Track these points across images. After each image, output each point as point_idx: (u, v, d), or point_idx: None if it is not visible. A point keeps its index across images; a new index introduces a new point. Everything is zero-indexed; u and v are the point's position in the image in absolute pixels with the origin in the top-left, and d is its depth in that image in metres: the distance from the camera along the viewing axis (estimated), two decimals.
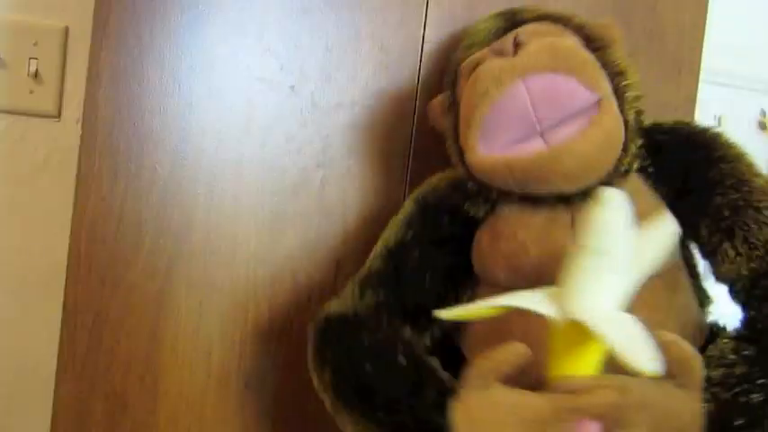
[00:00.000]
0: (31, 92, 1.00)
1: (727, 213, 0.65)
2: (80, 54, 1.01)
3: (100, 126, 0.76)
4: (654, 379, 0.52)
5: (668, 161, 0.69)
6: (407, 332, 0.68)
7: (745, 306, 0.65)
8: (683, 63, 0.92)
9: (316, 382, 0.67)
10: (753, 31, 1.38)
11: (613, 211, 0.55)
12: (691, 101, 0.92)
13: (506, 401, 0.55)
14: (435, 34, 0.84)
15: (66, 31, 1.01)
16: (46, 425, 0.78)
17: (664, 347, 0.53)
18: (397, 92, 0.84)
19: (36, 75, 0.99)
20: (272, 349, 0.82)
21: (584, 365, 0.55)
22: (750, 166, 0.68)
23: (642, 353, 0.50)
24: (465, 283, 0.71)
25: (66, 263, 0.77)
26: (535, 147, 0.62)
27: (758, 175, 0.67)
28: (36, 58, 0.99)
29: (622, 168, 0.65)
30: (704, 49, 0.93)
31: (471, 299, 0.69)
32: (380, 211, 0.84)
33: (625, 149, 0.64)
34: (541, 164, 0.62)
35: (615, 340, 0.50)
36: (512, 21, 0.71)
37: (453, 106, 0.71)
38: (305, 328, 0.82)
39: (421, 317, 0.69)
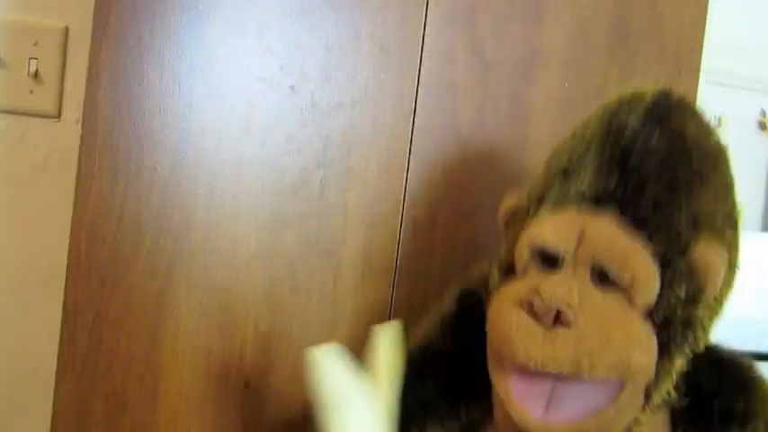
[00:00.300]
0: (31, 92, 1.00)
1: None
2: (80, 54, 1.01)
3: (100, 126, 0.76)
4: None
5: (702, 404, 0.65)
6: None
7: None
8: (683, 63, 0.92)
9: None
10: (753, 31, 1.39)
11: (328, 365, 0.58)
12: (691, 101, 0.92)
13: None
14: (435, 34, 0.84)
15: (66, 31, 1.01)
16: (46, 425, 0.78)
17: None
18: (397, 92, 0.84)
19: (36, 75, 0.99)
20: (272, 349, 0.82)
21: None
22: None
23: None
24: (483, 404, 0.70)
25: (66, 263, 0.77)
26: (534, 411, 0.60)
27: None
28: (36, 58, 0.99)
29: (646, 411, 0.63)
30: (704, 49, 0.93)
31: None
32: (380, 210, 0.84)
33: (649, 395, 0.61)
34: (528, 428, 0.61)
35: None
36: (623, 162, 0.60)
37: (509, 244, 0.66)
38: (305, 327, 0.82)
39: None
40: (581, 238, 0.60)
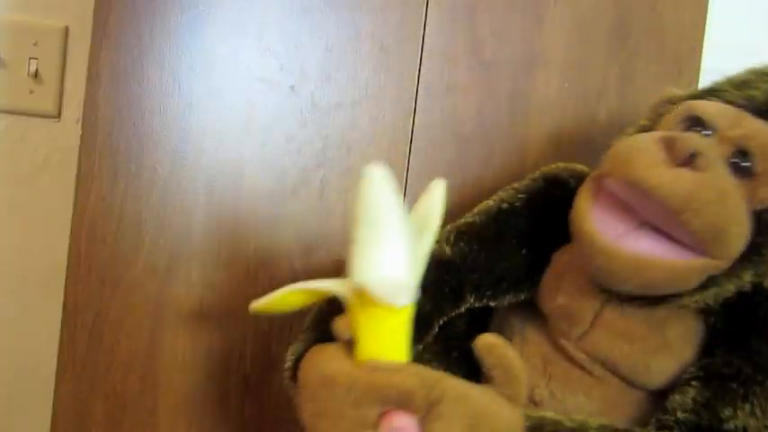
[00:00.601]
0: (31, 92, 1.00)
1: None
2: (80, 54, 1.01)
3: (100, 126, 0.76)
4: (476, 384, 0.51)
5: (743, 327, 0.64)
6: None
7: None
8: (683, 63, 0.92)
9: None
10: (753, 31, 1.38)
11: (376, 183, 0.55)
12: None
13: (329, 362, 0.52)
14: (435, 34, 0.84)
15: (66, 31, 1.01)
16: (46, 425, 0.78)
17: (486, 350, 0.52)
18: (397, 92, 0.84)
19: (36, 75, 0.99)
20: (272, 349, 0.82)
21: (387, 346, 0.52)
22: None
23: (392, 294, 0.49)
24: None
25: (66, 263, 0.77)
26: (614, 235, 0.60)
27: None
28: (36, 58, 0.99)
29: (681, 302, 0.62)
30: (704, 49, 0.93)
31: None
32: None
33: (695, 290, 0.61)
34: (600, 247, 0.59)
35: (374, 288, 0.49)
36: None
37: (656, 115, 0.67)
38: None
39: (500, 286, 0.69)
40: (735, 124, 0.60)
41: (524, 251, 0.70)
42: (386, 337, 0.52)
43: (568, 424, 0.57)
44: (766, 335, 0.63)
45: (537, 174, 0.74)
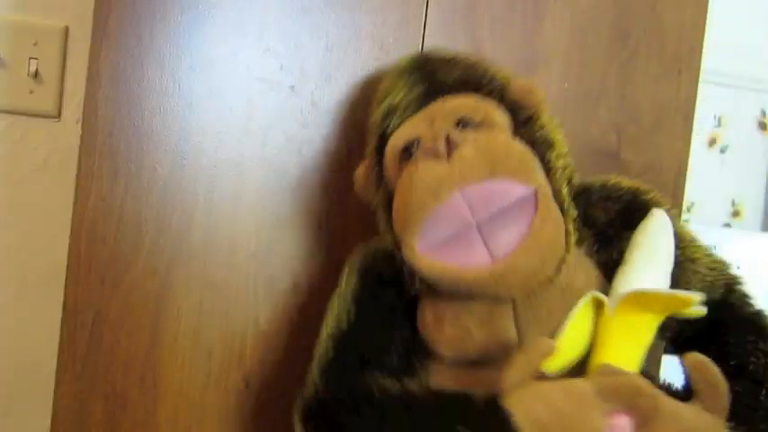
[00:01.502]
0: (31, 92, 1.00)
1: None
2: (80, 54, 1.01)
3: (100, 126, 0.76)
4: (685, 402, 0.54)
5: (602, 228, 0.69)
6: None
7: None
8: (683, 63, 0.92)
9: None
10: (753, 31, 1.39)
11: (659, 221, 0.65)
12: (690, 101, 0.92)
13: (558, 391, 0.56)
14: (435, 34, 0.84)
15: (66, 31, 1.01)
16: (46, 425, 0.78)
17: (693, 368, 0.56)
18: None
19: (36, 75, 0.99)
20: (272, 349, 0.82)
21: (626, 359, 0.58)
22: (684, 225, 0.72)
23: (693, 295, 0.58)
24: (421, 353, 0.69)
25: (66, 263, 0.77)
26: (479, 259, 0.61)
27: (687, 231, 0.71)
28: (36, 58, 0.99)
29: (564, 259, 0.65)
30: (704, 49, 0.93)
31: (428, 368, 0.69)
32: None
33: (566, 241, 0.64)
34: (486, 283, 0.61)
35: (669, 291, 0.60)
36: (431, 84, 0.69)
37: (382, 183, 0.70)
38: (305, 328, 0.82)
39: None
40: (430, 120, 0.66)
41: (394, 356, 0.69)
42: (630, 352, 0.59)
43: None
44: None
45: (347, 270, 0.73)
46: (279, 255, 0.81)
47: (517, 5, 0.86)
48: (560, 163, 0.66)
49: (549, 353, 0.57)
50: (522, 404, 0.56)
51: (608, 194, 0.71)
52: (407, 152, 0.67)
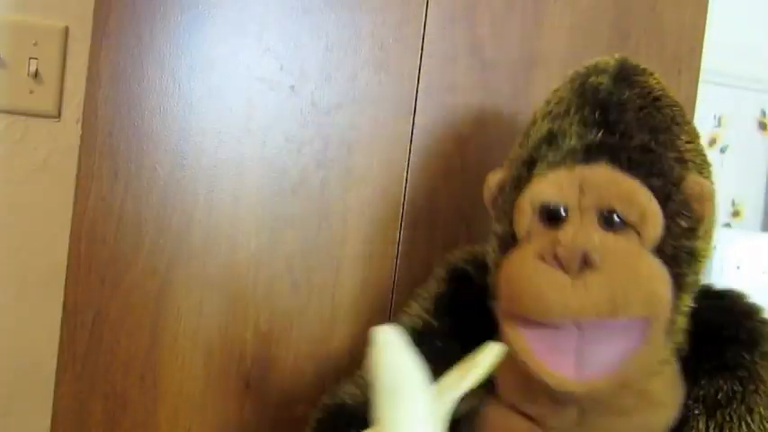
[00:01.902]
0: (31, 92, 1.00)
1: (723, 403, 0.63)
2: (80, 54, 1.01)
3: (100, 126, 0.76)
4: None
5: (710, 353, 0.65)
6: None
7: None
8: (683, 63, 0.92)
9: None
10: (753, 31, 1.38)
11: (390, 347, 0.55)
12: (691, 101, 0.92)
13: None
14: (435, 34, 0.84)
15: (66, 31, 1.01)
16: (46, 425, 0.78)
17: None
18: (397, 92, 0.84)
19: (36, 75, 0.99)
20: (272, 349, 0.82)
21: None
22: None
23: None
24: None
25: (66, 263, 0.77)
26: (564, 368, 0.59)
27: None
28: (36, 58, 0.99)
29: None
30: (704, 49, 0.93)
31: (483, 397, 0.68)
32: (380, 211, 0.84)
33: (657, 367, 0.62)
34: (562, 392, 0.60)
35: None
36: (605, 138, 0.62)
37: (507, 215, 0.65)
38: (305, 328, 0.82)
39: None
40: (582, 188, 0.61)
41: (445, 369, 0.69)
42: None
43: None
44: (734, 343, 0.64)
45: (440, 272, 0.74)
46: (279, 255, 0.81)
47: (517, 5, 0.86)
48: (691, 279, 0.62)
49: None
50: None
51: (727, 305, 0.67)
52: (541, 216, 0.62)
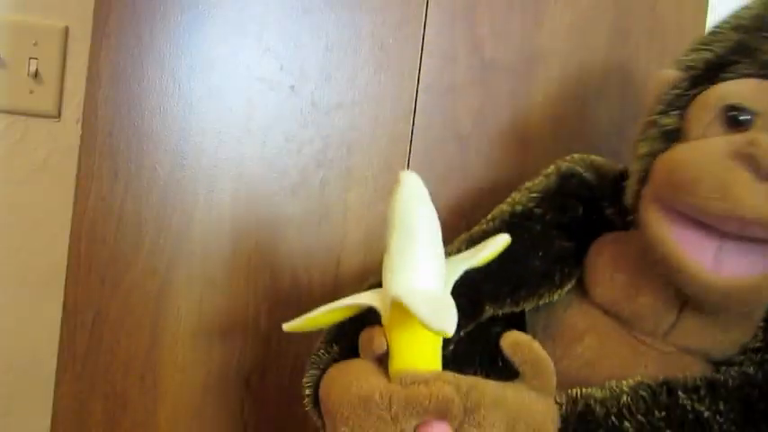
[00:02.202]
0: (31, 92, 1.00)
1: None
2: (80, 54, 1.01)
3: (100, 126, 0.76)
4: (508, 382, 0.52)
5: None
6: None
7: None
8: None
9: None
10: None
11: (411, 192, 0.54)
12: None
13: (355, 375, 0.53)
14: (435, 34, 0.84)
15: (66, 31, 1.01)
16: (46, 425, 0.78)
17: (513, 349, 0.54)
18: (397, 92, 0.84)
19: (36, 75, 0.99)
20: (273, 349, 0.82)
21: (422, 356, 0.53)
22: None
23: (442, 317, 0.49)
24: (573, 269, 0.68)
25: (66, 263, 0.77)
26: (706, 262, 0.57)
27: None
28: (36, 58, 0.99)
29: None
30: None
31: (571, 288, 0.68)
32: (380, 210, 0.84)
33: None
34: (700, 283, 0.57)
35: (419, 307, 0.48)
36: None
37: (677, 110, 0.62)
38: None
39: (521, 291, 0.66)
40: None
41: (541, 254, 0.68)
42: (421, 347, 0.53)
43: (599, 394, 0.56)
44: None
45: (551, 168, 0.73)
46: (279, 255, 0.81)
47: (517, 5, 0.86)
48: None
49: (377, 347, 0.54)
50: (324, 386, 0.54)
51: None
52: (724, 117, 0.59)
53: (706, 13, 0.93)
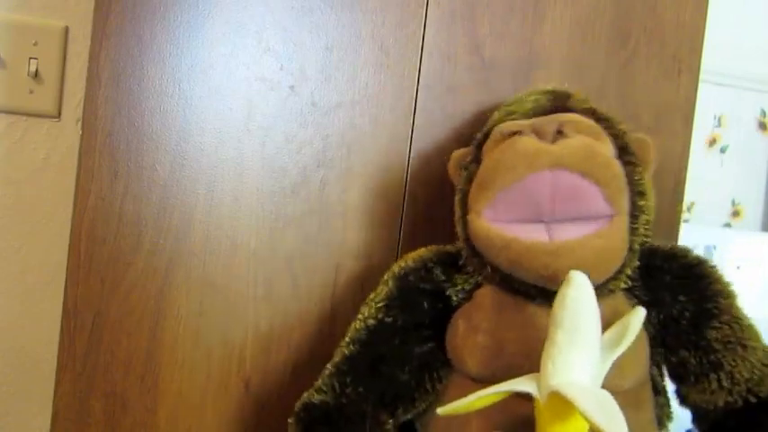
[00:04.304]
0: (31, 92, 1.00)
1: (718, 347, 0.67)
2: (80, 54, 1.01)
3: (100, 126, 0.76)
4: None
5: (662, 288, 0.70)
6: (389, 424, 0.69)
7: None
8: (683, 63, 0.92)
9: None
10: (753, 31, 1.38)
11: (580, 289, 0.58)
12: (690, 101, 0.92)
13: None
14: (435, 34, 0.84)
15: (67, 31, 1.01)
16: (46, 425, 0.78)
17: None
18: (397, 92, 0.84)
19: (36, 75, 0.99)
20: (272, 349, 0.82)
21: None
22: (740, 305, 0.70)
23: (614, 424, 0.52)
24: (440, 370, 0.71)
25: (66, 263, 0.77)
26: (537, 235, 0.64)
27: (746, 315, 0.70)
28: (36, 58, 0.99)
29: (610, 286, 0.66)
30: (704, 49, 0.93)
31: (444, 387, 0.71)
32: (380, 210, 0.84)
33: (621, 270, 0.66)
34: (537, 253, 0.63)
35: (590, 410, 0.52)
36: (559, 104, 0.72)
37: (474, 164, 0.71)
38: (304, 328, 0.82)
39: (399, 406, 0.70)
40: (542, 120, 0.68)
41: (407, 368, 0.70)
42: (574, 428, 0.56)
43: None
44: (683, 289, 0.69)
45: (387, 275, 0.75)
46: (279, 255, 0.81)
47: (517, 5, 0.86)
48: (644, 219, 0.67)
49: None
50: None
51: (674, 254, 0.72)
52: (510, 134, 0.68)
53: (706, 12, 0.93)
